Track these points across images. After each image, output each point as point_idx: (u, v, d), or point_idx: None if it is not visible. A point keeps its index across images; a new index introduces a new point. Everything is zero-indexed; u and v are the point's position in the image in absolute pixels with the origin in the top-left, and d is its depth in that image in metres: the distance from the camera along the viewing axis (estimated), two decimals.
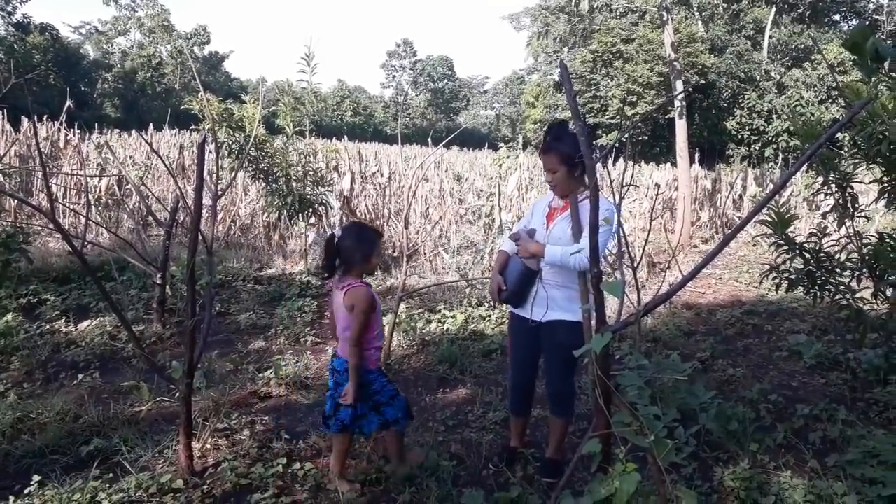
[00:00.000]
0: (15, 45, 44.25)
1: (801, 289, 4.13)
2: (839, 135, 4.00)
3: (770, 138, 34.52)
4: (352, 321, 3.03)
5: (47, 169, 10.70)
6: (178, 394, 3.44)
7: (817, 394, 4.69)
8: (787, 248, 4.04)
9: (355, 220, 3.16)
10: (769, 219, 4.01)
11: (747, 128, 35.04)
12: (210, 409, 3.93)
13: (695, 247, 11.18)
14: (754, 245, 11.96)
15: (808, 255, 4.01)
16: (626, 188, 2.77)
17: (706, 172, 18.44)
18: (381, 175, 14.38)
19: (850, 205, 3.92)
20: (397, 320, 5.32)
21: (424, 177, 10.86)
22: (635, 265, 3.11)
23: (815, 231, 4.00)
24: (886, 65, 2.77)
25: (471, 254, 8.37)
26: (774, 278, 4.33)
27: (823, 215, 4.97)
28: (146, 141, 4.08)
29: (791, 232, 4.06)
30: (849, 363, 5.14)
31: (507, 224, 8.48)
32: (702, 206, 14.36)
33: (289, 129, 6.35)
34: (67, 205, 9.21)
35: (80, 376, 4.54)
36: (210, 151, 8.18)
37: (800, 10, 30.14)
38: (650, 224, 3.18)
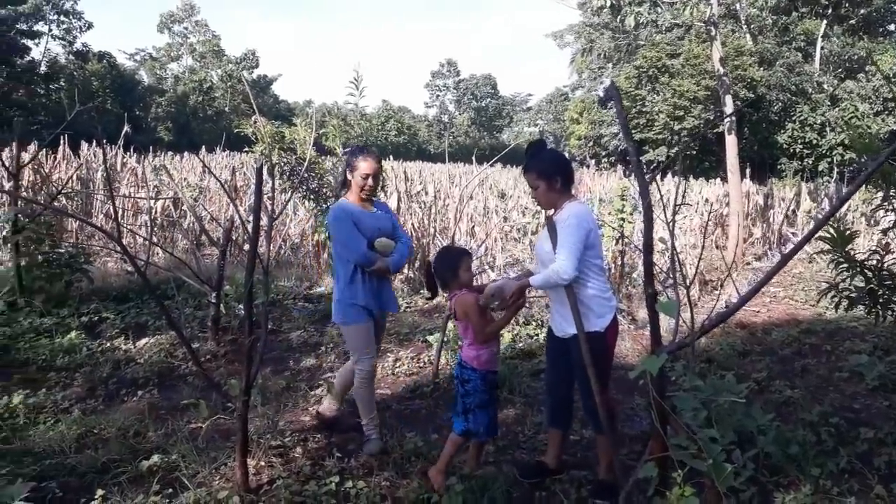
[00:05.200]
0: (75, 73, 46.21)
1: (861, 307, 4.01)
2: None
3: (824, 152, 33.56)
4: (470, 324, 3.38)
5: (107, 191, 11.12)
6: (234, 411, 3.52)
7: (881, 416, 4.52)
8: (847, 265, 3.93)
9: (445, 246, 3.88)
10: (828, 235, 3.91)
11: (799, 141, 34.14)
12: (264, 427, 4.00)
13: (748, 264, 10.92)
14: (810, 262, 11.62)
15: (869, 273, 3.89)
16: (678, 206, 2.75)
17: (757, 187, 18.03)
18: (426, 194, 14.50)
19: None
20: (445, 339, 5.33)
21: (469, 195, 10.90)
22: (688, 283, 3.08)
23: (876, 248, 3.87)
24: None
25: (517, 272, 8.34)
26: (834, 297, 4.20)
27: (885, 231, 4.81)
28: (203, 163, 4.22)
29: (850, 249, 3.95)
30: None
31: None
32: (754, 222, 14.03)
33: (339, 150, 6.48)
34: (125, 226, 9.55)
35: (140, 393, 4.68)
36: (266, 178, 8.39)
37: (852, 22, 29.36)
38: (703, 241, 3.15)
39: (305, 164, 5.96)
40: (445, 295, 3.66)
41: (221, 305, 5.95)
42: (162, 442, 3.84)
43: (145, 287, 3.46)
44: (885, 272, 3.81)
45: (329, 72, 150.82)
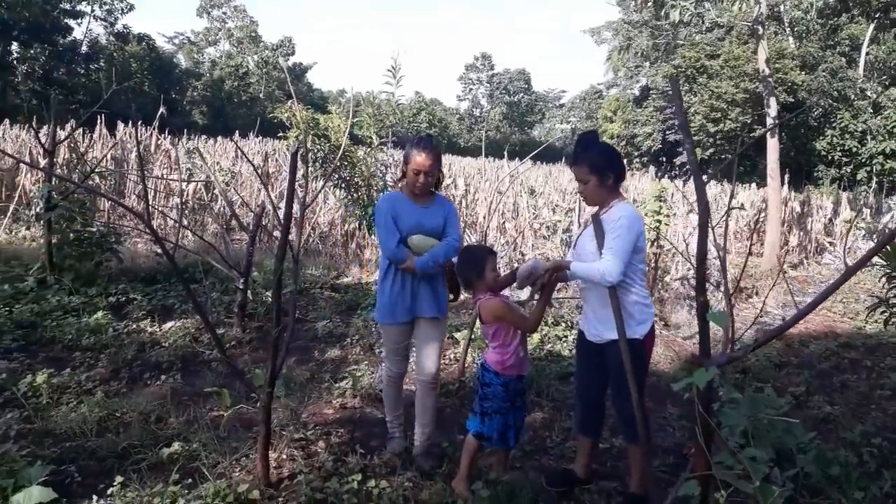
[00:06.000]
0: (115, 54, 46.81)
1: None
2: None
3: (863, 160, 32.67)
4: (499, 329, 3.22)
5: (139, 172, 11.19)
6: (257, 401, 3.44)
7: None
8: None
9: (466, 245, 3.60)
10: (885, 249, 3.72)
11: (839, 148, 33.27)
12: (287, 419, 3.93)
13: (784, 272, 10.61)
14: None
15: None
16: (727, 211, 2.60)
17: (794, 194, 17.60)
18: (456, 187, 14.38)
19: None
20: (472, 336, 5.22)
21: (498, 189, 10.75)
22: (731, 292, 2.93)
23: None
24: None
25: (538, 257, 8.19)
26: (883, 312, 4.02)
27: None
28: (237, 147, 4.15)
29: None
30: None
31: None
32: (790, 230, 13.68)
33: (374, 140, 6.38)
34: (157, 207, 9.58)
35: (163, 377, 4.65)
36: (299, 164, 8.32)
37: None
38: (748, 247, 2.99)
39: (340, 152, 5.87)
40: (468, 295, 3.50)
41: (248, 292, 5.90)
42: (183, 429, 3.79)
43: (173, 270, 3.40)
44: None
45: (363, 62, 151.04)
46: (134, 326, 5.61)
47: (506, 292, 3.57)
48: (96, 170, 7.85)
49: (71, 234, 6.59)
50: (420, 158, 3.47)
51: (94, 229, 6.83)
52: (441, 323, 3.73)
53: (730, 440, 3.40)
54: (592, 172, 3.12)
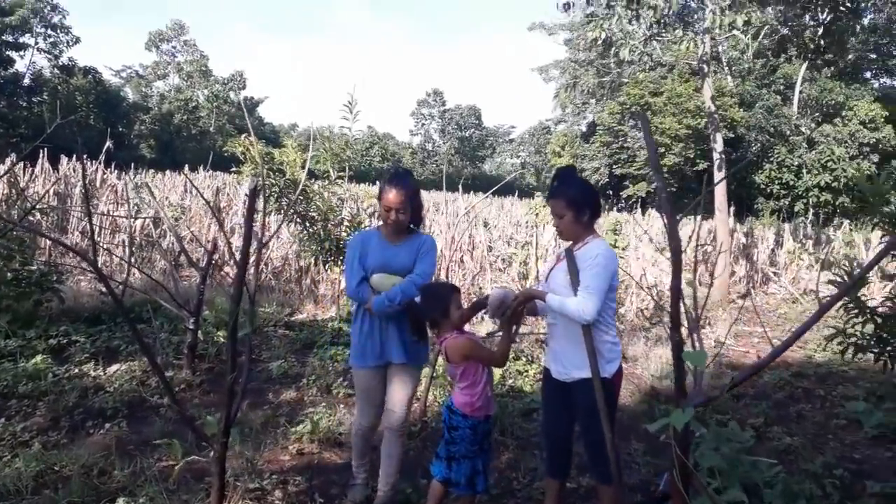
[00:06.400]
0: (59, 87, 45.67)
1: (870, 354, 3.89)
2: None
3: (800, 192, 34.07)
4: (468, 369, 3.11)
5: (84, 207, 10.78)
6: (210, 450, 3.25)
7: (885, 468, 4.37)
8: (857, 310, 3.81)
9: (427, 284, 3.41)
10: (838, 280, 3.79)
11: (777, 182, 34.63)
12: (242, 468, 3.73)
13: (732, 301, 10.84)
14: (794, 302, 11.59)
15: (879, 320, 3.77)
16: (701, 246, 2.60)
17: (738, 226, 18.14)
18: None
19: None
20: (434, 373, 5.10)
21: (457, 223, 10.74)
22: (697, 326, 2.90)
23: (892, 295, 3.75)
24: None
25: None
26: (840, 342, 4.07)
27: (892, 277, 4.67)
28: (188, 179, 3.96)
29: (861, 295, 3.84)
30: None
31: (544, 274, 8.27)
32: (736, 260, 14.03)
33: (332, 174, 6.28)
34: (102, 245, 9.22)
35: (108, 425, 4.38)
36: (230, 195, 8.16)
37: (840, 67, 30.08)
38: (695, 277, 2.99)
39: (299, 187, 5.75)
40: (433, 334, 3.35)
41: (199, 332, 5.67)
42: (129, 482, 3.55)
43: (118, 309, 3.19)
44: None
45: (314, 96, 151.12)
46: (76, 370, 5.31)
47: (467, 326, 3.46)
48: (37, 206, 7.51)
49: (9, 274, 6.25)
50: (391, 196, 3.33)
51: (34, 268, 6.49)
52: (412, 370, 3.53)
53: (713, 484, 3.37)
54: (569, 207, 3.08)
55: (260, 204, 7.02)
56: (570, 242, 3.19)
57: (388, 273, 3.38)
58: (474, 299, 4.04)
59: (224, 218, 10.98)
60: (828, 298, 2.08)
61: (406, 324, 3.37)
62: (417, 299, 3.30)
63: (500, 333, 3.30)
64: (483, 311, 3.27)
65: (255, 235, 2.79)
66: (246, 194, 2.73)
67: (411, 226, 3.52)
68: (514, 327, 3.27)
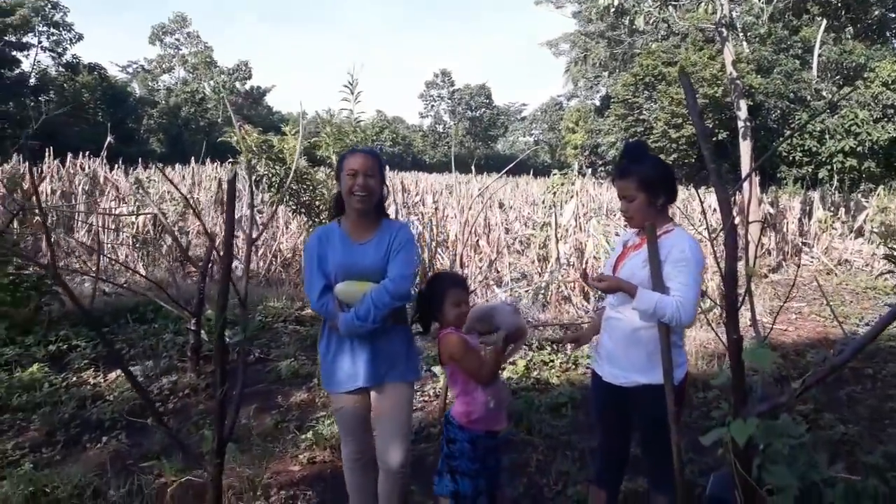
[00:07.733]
0: (65, 85, 45.63)
1: None
2: None
3: (824, 159, 33.17)
4: (456, 372, 2.79)
5: (87, 205, 10.52)
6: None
7: None
8: None
9: (434, 273, 2.90)
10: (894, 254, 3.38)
11: (799, 149, 33.73)
12: (246, 486, 3.41)
13: (764, 276, 10.35)
14: (828, 274, 11.10)
15: None
16: (752, 222, 2.20)
17: (763, 196, 17.53)
18: (423, 205, 13.95)
19: None
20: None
21: (470, 206, 10.36)
22: (754, 321, 2.53)
23: None
24: None
25: (526, 290, 7.78)
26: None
27: None
28: (168, 179, 3.60)
29: None
30: None
31: (565, 256, 7.88)
32: (764, 233, 13.50)
33: (333, 160, 5.90)
34: (106, 242, 8.96)
35: (105, 439, 4.08)
36: (240, 186, 7.79)
37: (864, 26, 29.07)
38: (755, 251, 2.59)
39: (291, 174, 5.38)
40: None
41: (203, 332, 5.36)
42: (124, 503, 3.25)
43: (86, 319, 2.89)
44: None
45: (324, 82, 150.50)
46: (74, 379, 5.02)
47: None
48: (44, 205, 7.22)
49: (5, 279, 5.97)
50: (353, 158, 2.78)
51: (31, 271, 6.21)
52: (402, 389, 2.87)
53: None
54: (641, 189, 2.65)
55: (263, 194, 6.73)
56: (637, 230, 2.77)
57: (355, 279, 2.75)
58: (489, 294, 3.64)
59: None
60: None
61: (390, 333, 2.81)
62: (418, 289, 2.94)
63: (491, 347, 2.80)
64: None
65: (240, 226, 2.44)
66: (226, 182, 2.35)
67: (386, 216, 2.96)
68: (510, 346, 2.88)
